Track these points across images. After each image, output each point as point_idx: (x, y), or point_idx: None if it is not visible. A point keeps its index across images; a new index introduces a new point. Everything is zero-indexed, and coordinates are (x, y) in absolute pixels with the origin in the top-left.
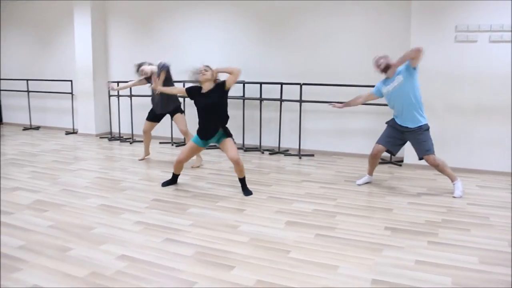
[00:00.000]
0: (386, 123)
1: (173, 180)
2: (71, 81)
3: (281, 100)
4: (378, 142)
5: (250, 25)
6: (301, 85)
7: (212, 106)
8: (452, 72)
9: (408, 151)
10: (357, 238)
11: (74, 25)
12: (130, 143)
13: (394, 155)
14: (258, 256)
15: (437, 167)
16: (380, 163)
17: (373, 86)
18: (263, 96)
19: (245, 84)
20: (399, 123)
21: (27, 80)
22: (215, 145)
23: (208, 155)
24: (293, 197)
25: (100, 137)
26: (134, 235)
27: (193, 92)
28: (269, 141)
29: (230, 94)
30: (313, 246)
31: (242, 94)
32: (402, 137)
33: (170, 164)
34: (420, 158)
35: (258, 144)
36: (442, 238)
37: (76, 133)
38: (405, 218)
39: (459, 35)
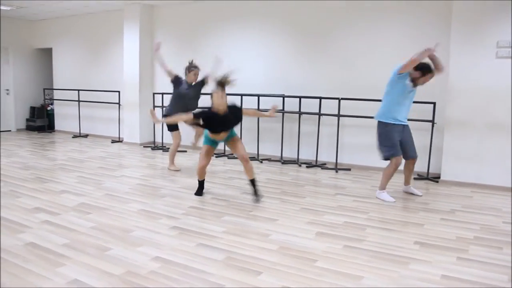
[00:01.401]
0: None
1: (201, 187)
2: (118, 91)
3: (319, 114)
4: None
5: (290, 39)
6: (339, 99)
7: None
8: (492, 88)
9: (446, 167)
10: (385, 251)
11: (123, 39)
12: None
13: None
14: (286, 263)
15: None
16: (417, 179)
17: (413, 102)
18: (302, 110)
19: (285, 98)
20: (401, 122)
21: (78, 90)
22: (253, 157)
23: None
24: (325, 209)
25: (144, 146)
26: (169, 239)
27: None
28: (307, 154)
29: (269, 107)
30: (340, 256)
31: (282, 108)
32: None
33: (210, 174)
34: (414, 157)
35: (296, 157)
36: (472, 255)
37: (121, 141)
38: (436, 233)
39: (501, 51)
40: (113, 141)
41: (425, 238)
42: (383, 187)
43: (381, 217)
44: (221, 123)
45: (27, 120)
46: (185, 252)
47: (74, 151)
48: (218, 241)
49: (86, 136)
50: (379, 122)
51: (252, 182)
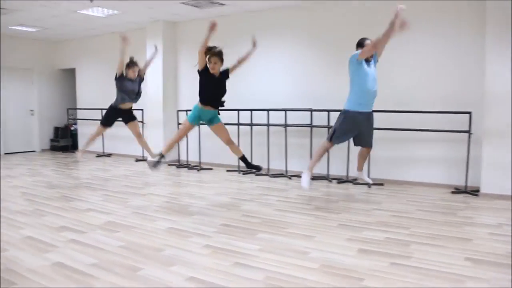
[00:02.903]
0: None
1: (160, 161)
2: (142, 110)
3: None
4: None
5: (318, 52)
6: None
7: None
8: None
9: (485, 180)
10: (435, 268)
11: (146, 57)
12: (198, 170)
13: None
14: (330, 283)
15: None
16: (454, 192)
17: (443, 112)
18: (330, 124)
19: (313, 112)
20: (365, 110)
21: (101, 109)
22: (281, 174)
23: (275, 183)
24: (364, 225)
25: (169, 164)
26: (202, 258)
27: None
28: (337, 169)
29: (297, 122)
30: (388, 275)
31: (309, 122)
32: (358, 128)
33: (237, 192)
34: (369, 146)
35: (326, 172)
36: None
37: (145, 160)
38: (487, 249)
39: None
40: (137, 160)
41: (476, 254)
42: (310, 168)
43: (425, 233)
44: (216, 85)
45: (51, 140)
46: (221, 272)
47: (98, 169)
48: (254, 260)
49: (109, 155)
50: (344, 110)
51: (243, 158)
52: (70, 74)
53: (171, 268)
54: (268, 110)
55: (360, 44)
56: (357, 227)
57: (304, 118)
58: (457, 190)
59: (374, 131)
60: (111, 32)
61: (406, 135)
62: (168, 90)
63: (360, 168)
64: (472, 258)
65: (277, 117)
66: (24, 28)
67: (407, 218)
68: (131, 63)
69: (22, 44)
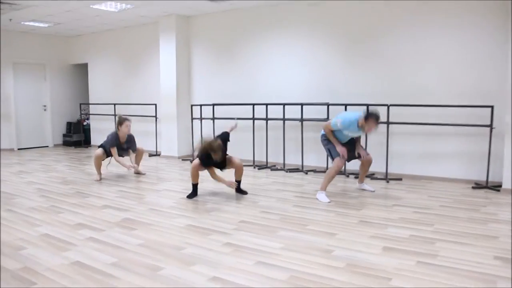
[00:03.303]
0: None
1: (194, 191)
2: (155, 104)
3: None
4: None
5: (334, 46)
6: (388, 106)
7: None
8: None
9: (508, 175)
10: (464, 268)
11: (159, 51)
12: None
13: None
14: (358, 283)
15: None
16: (475, 187)
17: (465, 106)
18: None
19: (329, 106)
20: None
21: (114, 104)
22: (297, 169)
23: (291, 178)
24: (386, 222)
25: (182, 159)
26: (224, 256)
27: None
28: (354, 164)
29: (314, 116)
30: (416, 274)
31: (326, 116)
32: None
33: (254, 187)
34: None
35: (343, 167)
36: None
37: (159, 155)
38: None
39: None
40: (151, 155)
41: (505, 253)
42: (323, 188)
43: (449, 230)
44: (216, 164)
45: (64, 135)
46: (244, 271)
47: (111, 165)
48: (277, 259)
49: None
50: (322, 134)
51: (239, 182)
52: (82, 69)
53: (192, 267)
54: (284, 104)
55: (366, 118)
56: (380, 224)
57: (320, 112)
58: (478, 185)
59: (393, 125)
60: (124, 26)
61: (425, 129)
62: (181, 85)
63: (361, 181)
64: (501, 257)
65: (293, 111)
66: (36, 24)
67: (429, 215)
68: (122, 121)
69: (34, 39)
